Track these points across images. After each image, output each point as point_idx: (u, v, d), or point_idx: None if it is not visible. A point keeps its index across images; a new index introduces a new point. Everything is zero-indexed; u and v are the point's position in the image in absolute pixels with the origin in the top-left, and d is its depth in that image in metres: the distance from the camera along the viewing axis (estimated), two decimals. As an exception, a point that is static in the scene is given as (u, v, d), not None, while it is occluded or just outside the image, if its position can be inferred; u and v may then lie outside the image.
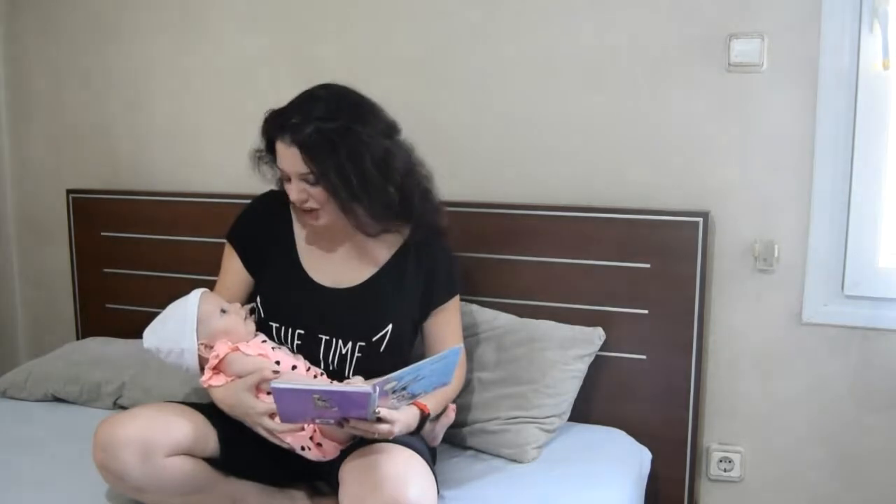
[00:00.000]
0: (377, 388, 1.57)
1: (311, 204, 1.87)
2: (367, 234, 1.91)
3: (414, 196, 1.90)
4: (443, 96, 2.50)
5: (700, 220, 2.22)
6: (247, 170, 2.65)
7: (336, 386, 1.68)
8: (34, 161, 3.07)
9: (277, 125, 1.83)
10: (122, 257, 2.85)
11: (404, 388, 1.63)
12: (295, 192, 1.86)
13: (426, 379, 1.65)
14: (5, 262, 3.14)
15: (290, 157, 1.82)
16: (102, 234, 2.87)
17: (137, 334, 2.60)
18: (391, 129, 1.89)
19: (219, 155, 2.79)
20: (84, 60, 2.92)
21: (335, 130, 1.79)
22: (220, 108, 2.78)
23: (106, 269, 2.88)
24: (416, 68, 2.52)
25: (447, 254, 2.02)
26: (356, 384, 1.72)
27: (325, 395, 1.59)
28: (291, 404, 1.62)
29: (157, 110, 2.86)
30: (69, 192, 2.92)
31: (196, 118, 2.81)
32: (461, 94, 2.49)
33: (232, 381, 1.82)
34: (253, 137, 2.66)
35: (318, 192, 1.84)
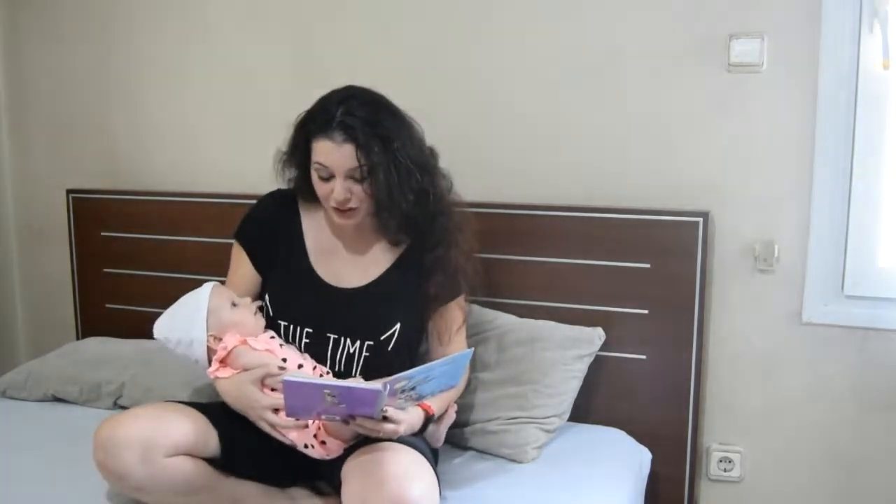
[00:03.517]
0: (388, 387, 1.57)
1: (352, 203, 1.86)
2: (392, 241, 1.94)
3: (430, 203, 1.93)
4: (442, 97, 2.49)
5: (700, 220, 2.22)
6: (246, 169, 2.68)
7: (347, 382, 1.68)
8: (34, 161, 3.07)
9: (321, 123, 1.83)
10: (122, 257, 2.85)
11: (413, 389, 1.64)
12: (340, 191, 1.84)
13: (435, 380, 1.66)
14: (5, 262, 3.14)
15: (340, 154, 1.81)
16: (102, 234, 2.87)
17: (137, 334, 2.64)
18: (421, 133, 1.95)
19: (219, 155, 2.80)
20: (84, 60, 2.92)
21: (385, 127, 1.82)
22: (220, 108, 2.78)
23: (106, 269, 2.88)
24: (415, 69, 2.52)
25: (454, 254, 1.98)
26: (366, 382, 1.72)
27: (336, 391, 1.59)
28: (301, 399, 1.62)
29: (157, 110, 2.86)
30: (69, 192, 2.92)
31: (196, 118, 2.81)
32: (461, 94, 2.49)
33: (238, 373, 1.83)
34: (252, 137, 2.69)
35: (360, 189, 1.84)
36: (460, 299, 2.03)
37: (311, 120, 1.86)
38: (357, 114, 1.81)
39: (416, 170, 1.87)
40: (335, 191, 1.84)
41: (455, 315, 2.01)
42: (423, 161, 1.91)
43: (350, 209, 1.88)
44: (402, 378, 1.59)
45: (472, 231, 2.01)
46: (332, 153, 1.81)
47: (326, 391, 1.58)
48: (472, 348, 1.84)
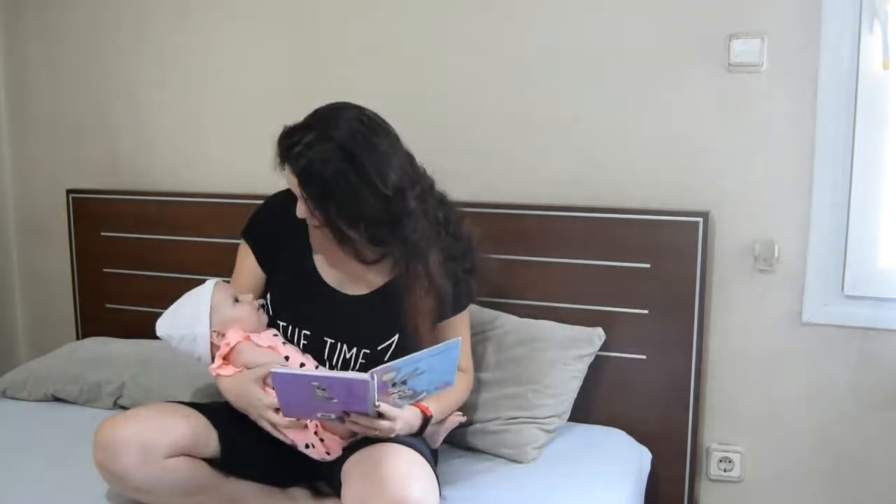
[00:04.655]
0: (375, 376, 1.58)
1: (313, 221, 1.87)
2: (363, 262, 1.90)
3: (419, 238, 1.85)
4: (443, 96, 2.50)
5: (700, 220, 2.22)
6: (246, 169, 2.68)
7: (335, 373, 1.68)
8: (34, 161, 3.07)
9: (287, 147, 1.82)
10: (122, 257, 2.85)
11: (404, 383, 1.64)
12: (299, 209, 1.87)
13: (427, 374, 1.65)
14: (5, 262, 3.14)
15: (293, 182, 1.83)
16: (102, 234, 2.87)
17: (137, 334, 2.64)
18: (403, 178, 1.83)
19: (219, 155, 2.80)
20: (84, 60, 2.92)
21: (340, 170, 1.77)
22: (220, 108, 2.78)
23: (106, 269, 2.88)
24: (415, 68, 2.52)
25: (458, 269, 1.95)
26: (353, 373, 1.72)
27: (324, 383, 1.59)
28: (292, 393, 1.63)
29: (157, 110, 2.86)
30: (69, 192, 2.92)
31: (196, 118, 2.81)
32: (461, 93, 2.49)
33: (240, 371, 1.82)
34: (252, 137, 2.67)
35: (316, 215, 1.84)
36: (460, 315, 2.00)
37: (284, 138, 1.83)
38: (316, 148, 1.76)
39: (374, 202, 1.79)
40: (297, 207, 1.87)
41: (451, 333, 1.97)
42: (383, 195, 1.80)
43: (315, 225, 1.88)
44: (390, 368, 1.60)
45: (468, 243, 1.97)
46: (289, 178, 1.84)
47: (314, 383, 1.59)
48: (459, 338, 1.81)
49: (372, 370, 1.59)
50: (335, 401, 1.61)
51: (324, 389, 1.59)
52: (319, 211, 1.82)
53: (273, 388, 1.77)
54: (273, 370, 1.62)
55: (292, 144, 1.80)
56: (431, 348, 1.65)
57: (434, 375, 1.68)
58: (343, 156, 1.77)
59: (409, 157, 1.90)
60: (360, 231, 1.83)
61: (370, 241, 1.86)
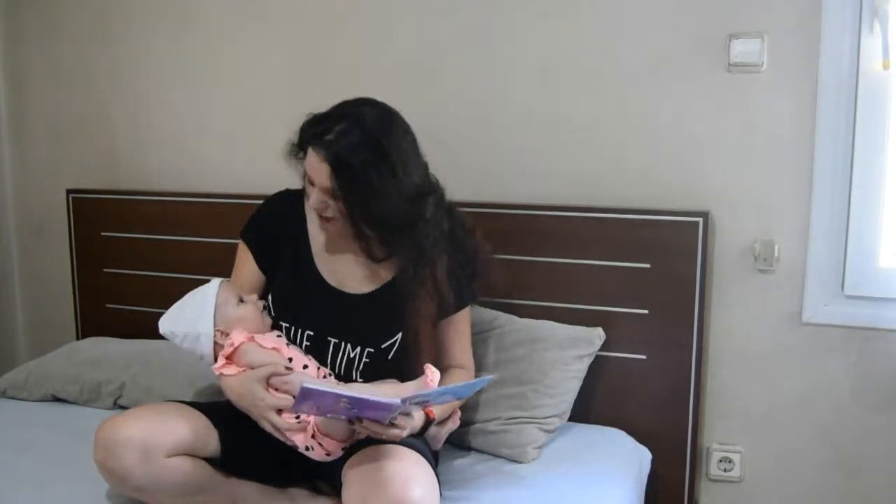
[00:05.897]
0: (407, 403, 1.57)
1: (328, 213, 1.86)
2: (371, 259, 1.90)
3: (430, 244, 1.87)
4: (442, 96, 2.50)
5: (700, 220, 2.22)
6: (246, 169, 2.68)
7: (365, 394, 1.62)
8: (34, 161, 3.07)
9: (316, 134, 1.81)
10: (122, 257, 2.85)
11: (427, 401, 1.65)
12: (315, 199, 1.85)
13: (448, 395, 1.67)
14: (5, 262, 3.14)
15: (319, 170, 1.81)
16: (102, 234, 2.87)
17: (137, 334, 2.64)
18: (424, 182, 1.87)
19: (219, 155, 2.79)
20: (84, 60, 2.92)
21: (370, 162, 1.77)
22: (220, 108, 2.78)
23: (106, 269, 2.88)
24: (415, 67, 2.52)
25: (459, 265, 1.96)
26: (385, 389, 1.71)
27: (353, 402, 1.56)
28: (313, 405, 1.60)
29: (157, 110, 2.86)
30: (69, 192, 2.92)
31: (196, 118, 2.81)
32: (460, 95, 2.49)
33: (243, 371, 1.82)
34: (252, 137, 2.69)
35: (337, 206, 1.84)
36: (461, 312, 2.00)
37: (311, 125, 1.84)
38: (349, 138, 1.78)
39: (396, 202, 1.81)
40: (311, 197, 1.86)
41: (451, 330, 1.98)
42: (406, 196, 1.82)
43: (328, 217, 1.87)
44: (421, 397, 1.60)
45: (477, 245, 1.98)
46: (314, 166, 1.82)
47: (343, 400, 1.56)
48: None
49: (404, 397, 1.57)
50: (353, 410, 1.60)
51: (349, 406, 1.58)
52: (343, 202, 1.81)
53: (276, 389, 1.77)
54: (305, 385, 1.55)
55: (322, 132, 1.80)
56: (465, 383, 1.68)
57: (455, 396, 1.70)
58: (373, 149, 1.78)
59: (425, 164, 1.91)
60: (376, 228, 1.83)
61: (382, 240, 1.86)
